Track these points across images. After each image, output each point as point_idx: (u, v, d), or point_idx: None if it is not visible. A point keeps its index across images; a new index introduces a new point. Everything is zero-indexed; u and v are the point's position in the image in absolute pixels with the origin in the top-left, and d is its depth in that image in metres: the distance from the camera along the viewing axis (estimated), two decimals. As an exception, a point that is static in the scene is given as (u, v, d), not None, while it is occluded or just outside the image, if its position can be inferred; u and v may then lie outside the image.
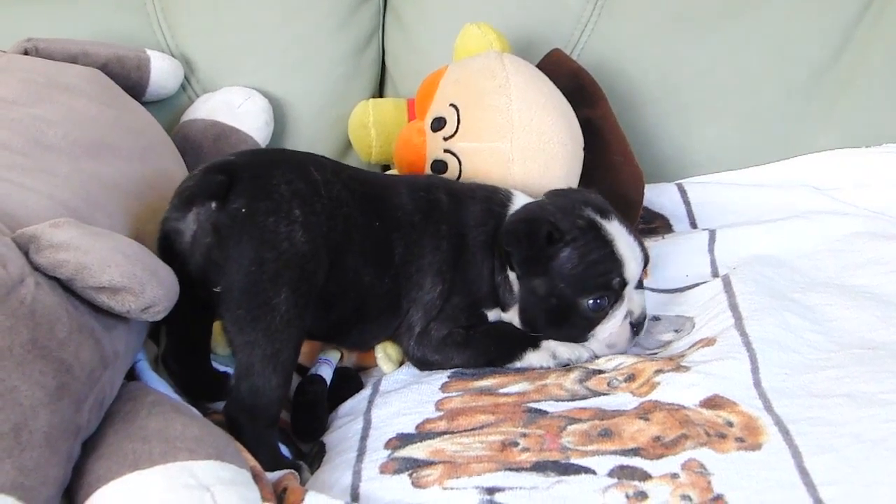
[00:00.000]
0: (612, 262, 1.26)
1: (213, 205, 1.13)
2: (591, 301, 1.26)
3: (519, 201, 1.33)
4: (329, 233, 1.16)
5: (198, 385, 1.24)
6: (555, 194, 1.34)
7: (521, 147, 1.42)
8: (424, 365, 1.29)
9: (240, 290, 1.13)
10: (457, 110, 1.46)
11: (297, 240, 1.13)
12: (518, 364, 1.27)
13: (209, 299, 1.15)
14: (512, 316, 1.31)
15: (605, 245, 1.26)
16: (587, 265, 1.25)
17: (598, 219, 1.27)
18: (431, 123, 1.48)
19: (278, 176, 1.15)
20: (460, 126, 1.45)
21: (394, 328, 1.28)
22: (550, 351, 1.28)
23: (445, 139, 1.46)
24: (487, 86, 1.45)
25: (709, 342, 1.26)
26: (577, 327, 1.28)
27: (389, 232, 1.24)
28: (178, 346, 1.23)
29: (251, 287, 1.12)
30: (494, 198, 1.33)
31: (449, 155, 1.44)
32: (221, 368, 1.27)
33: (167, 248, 1.17)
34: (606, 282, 1.26)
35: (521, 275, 1.27)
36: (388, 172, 1.63)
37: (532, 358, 1.27)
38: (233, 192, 1.13)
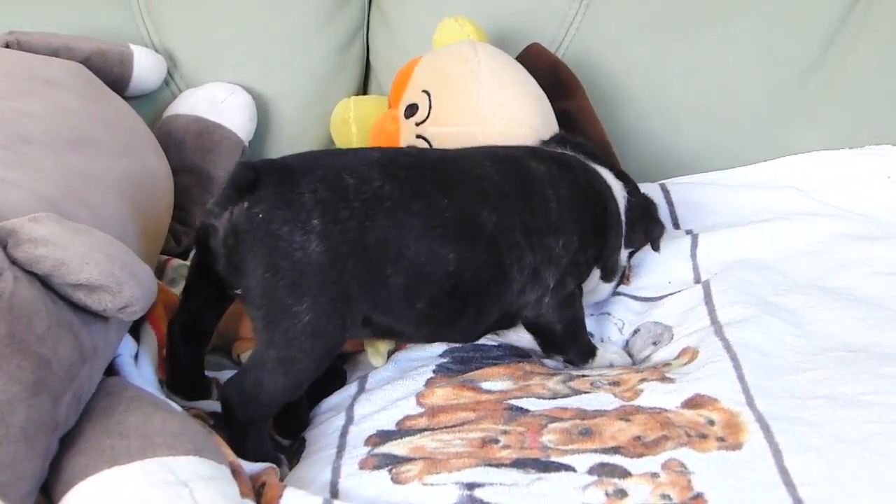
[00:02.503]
0: None
1: (246, 205, 1.13)
2: None
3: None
4: (364, 236, 1.14)
5: (182, 372, 1.24)
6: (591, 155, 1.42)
7: (491, 131, 1.42)
8: (547, 321, 1.31)
9: (258, 295, 1.12)
10: (428, 96, 1.46)
11: (311, 249, 1.11)
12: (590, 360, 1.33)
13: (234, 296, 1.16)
14: (605, 287, 1.40)
15: None
16: None
17: None
18: (405, 110, 1.48)
19: (305, 184, 1.14)
20: (432, 111, 1.45)
21: (509, 299, 1.27)
22: (608, 358, 1.34)
23: (417, 125, 1.46)
24: (459, 71, 1.45)
25: (692, 354, 1.26)
26: None
27: (468, 205, 1.23)
28: (185, 325, 1.24)
29: (268, 293, 1.12)
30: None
31: (421, 140, 1.45)
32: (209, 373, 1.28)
33: (203, 241, 1.17)
34: None
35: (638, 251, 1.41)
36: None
37: (604, 356, 1.34)
38: (256, 197, 1.13)
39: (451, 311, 1.23)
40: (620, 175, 1.41)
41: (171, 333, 1.24)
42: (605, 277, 1.39)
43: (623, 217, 1.38)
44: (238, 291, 1.15)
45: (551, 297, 1.29)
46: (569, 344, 1.33)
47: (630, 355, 1.36)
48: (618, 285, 1.44)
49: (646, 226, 1.41)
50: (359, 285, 1.15)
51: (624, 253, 1.40)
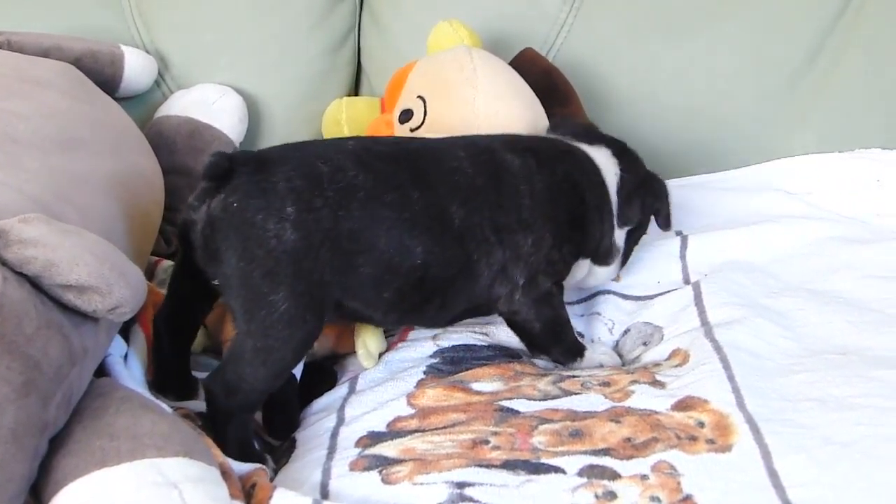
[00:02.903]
0: None
1: (222, 195, 1.13)
2: None
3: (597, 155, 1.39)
4: (337, 225, 1.15)
5: (167, 368, 1.24)
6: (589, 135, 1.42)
7: None
8: (523, 320, 1.30)
9: (235, 284, 1.13)
10: (424, 102, 1.46)
11: (286, 238, 1.12)
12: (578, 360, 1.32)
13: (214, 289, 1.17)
14: (606, 271, 1.40)
15: None
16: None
17: None
18: (399, 116, 1.48)
19: (280, 173, 1.14)
20: (427, 117, 1.45)
21: (477, 293, 1.27)
22: (597, 359, 1.33)
23: (412, 130, 1.46)
24: (455, 78, 1.45)
25: (683, 356, 1.26)
26: None
27: (440, 198, 1.23)
28: (168, 318, 1.24)
29: (244, 281, 1.12)
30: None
31: (417, 147, 1.45)
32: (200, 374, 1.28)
33: (184, 234, 1.18)
34: None
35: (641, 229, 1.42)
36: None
37: (592, 357, 1.33)
38: (231, 187, 1.13)
39: (418, 300, 1.23)
40: (619, 152, 1.40)
41: (156, 326, 1.24)
42: (600, 262, 1.38)
43: (614, 196, 1.37)
44: (216, 282, 1.15)
45: (523, 294, 1.28)
46: (551, 343, 1.32)
47: (620, 356, 1.36)
48: (623, 264, 1.44)
49: (642, 200, 1.39)
50: (331, 273, 1.15)
51: (620, 233, 1.38)
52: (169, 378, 1.25)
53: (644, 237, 1.57)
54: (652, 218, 1.42)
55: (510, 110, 1.45)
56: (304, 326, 1.14)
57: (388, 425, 1.16)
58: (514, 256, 1.27)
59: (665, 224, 1.42)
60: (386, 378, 1.26)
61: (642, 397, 1.17)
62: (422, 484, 1.04)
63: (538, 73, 1.57)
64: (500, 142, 1.33)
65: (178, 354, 1.26)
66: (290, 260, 1.12)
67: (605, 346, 1.37)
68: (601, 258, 1.38)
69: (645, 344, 1.35)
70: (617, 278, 1.44)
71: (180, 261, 1.23)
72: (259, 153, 1.18)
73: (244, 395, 1.14)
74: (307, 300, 1.13)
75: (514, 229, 1.26)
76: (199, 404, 1.22)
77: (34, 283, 0.98)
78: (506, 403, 1.17)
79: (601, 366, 1.31)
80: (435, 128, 1.44)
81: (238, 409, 1.15)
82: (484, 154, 1.29)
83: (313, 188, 1.15)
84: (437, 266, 1.21)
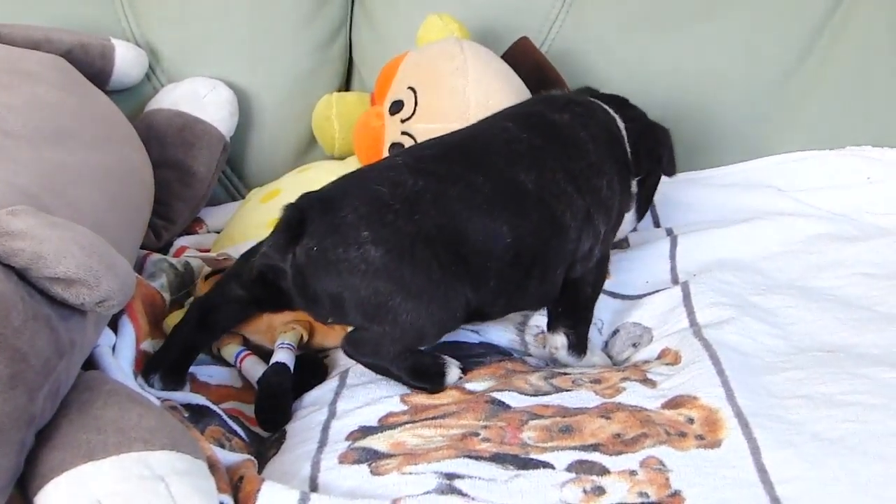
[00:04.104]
0: None
1: (304, 243, 1.17)
2: None
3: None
4: (419, 228, 1.18)
5: (173, 353, 1.26)
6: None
7: None
8: (584, 281, 1.33)
9: (351, 312, 1.18)
10: (414, 93, 1.46)
11: (371, 257, 1.15)
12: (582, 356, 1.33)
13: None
14: (627, 218, 1.43)
15: None
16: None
17: None
18: (390, 107, 1.48)
19: (346, 207, 1.18)
20: (417, 108, 1.46)
21: (568, 250, 1.29)
22: (593, 360, 1.34)
23: (403, 121, 1.46)
24: (445, 68, 1.46)
25: (674, 357, 1.26)
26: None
27: (505, 173, 1.25)
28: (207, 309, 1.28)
29: (357, 305, 1.17)
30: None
31: (406, 137, 1.45)
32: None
33: (266, 278, 1.23)
34: None
35: (653, 175, 1.45)
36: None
37: (590, 357, 1.33)
38: (308, 234, 1.17)
39: (519, 277, 1.25)
40: (621, 105, 1.45)
41: (192, 308, 1.28)
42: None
43: (628, 147, 1.40)
44: (330, 321, 1.23)
45: (600, 249, 1.32)
46: (582, 314, 1.33)
47: (609, 356, 1.36)
48: (640, 217, 1.49)
49: (647, 147, 1.42)
50: (440, 268, 1.18)
51: (633, 183, 1.42)
52: (168, 359, 1.25)
53: (635, 234, 1.58)
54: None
55: (500, 99, 1.45)
56: (438, 317, 1.19)
57: (380, 420, 1.15)
58: (596, 202, 1.30)
59: (669, 168, 1.46)
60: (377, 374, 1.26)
61: (633, 395, 1.17)
62: (410, 473, 1.04)
63: (530, 66, 1.57)
64: (540, 104, 1.39)
65: (192, 344, 1.27)
66: (385, 273, 1.15)
67: (597, 348, 1.36)
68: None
69: (635, 345, 1.35)
70: (608, 275, 1.44)
71: (256, 280, 1.25)
72: (321, 194, 1.21)
73: (388, 359, 1.20)
74: (430, 299, 1.17)
75: (588, 174, 1.30)
76: (186, 396, 1.22)
77: (22, 276, 0.98)
78: (497, 395, 1.17)
79: (594, 366, 1.31)
80: (426, 118, 1.44)
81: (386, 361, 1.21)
82: (532, 118, 1.34)
83: (379, 207, 1.18)
84: (528, 236, 1.24)
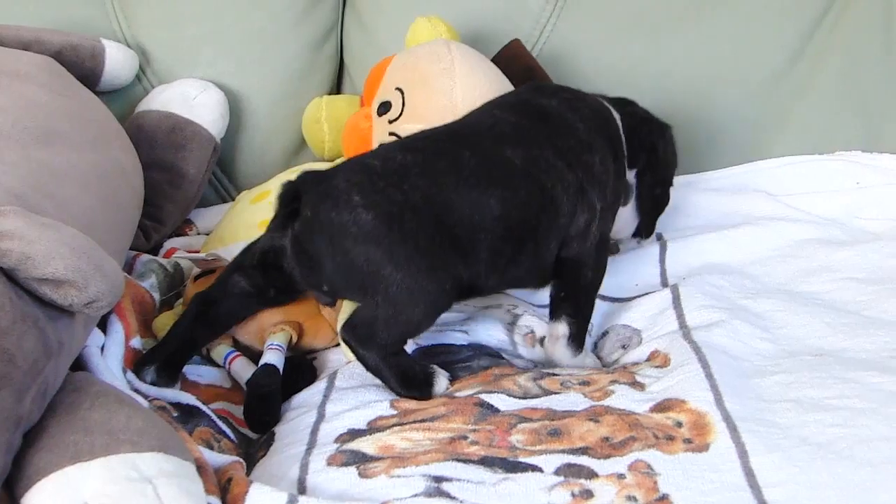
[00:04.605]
0: None
1: (300, 216, 1.20)
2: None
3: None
4: (407, 197, 1.19)
5: (169, 348, 1.26)
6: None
7: None
8: (583, 263, 1.33)
9: (345, 278, 1.19)
10: (402, 94, 1.47)
11: (362, 220, 1.17)
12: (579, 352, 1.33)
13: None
14: (625, 212, 1.44)
15: None
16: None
17: None
18: (378, 108, 1.49)
19: (338, 176, 1.21)
20: (405, 109, 1.46)
21: (562, 224, 1.29)
22: (585, 362, 1.33)
23: (390, 122, 1.46)
24: (433, 69, 1.46)
25: (663, 359, 1.26)
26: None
27: (491, 149, 1.28)
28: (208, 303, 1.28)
29: (350, 273, 1.18)
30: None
31: (394, 138, 1.45)
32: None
33: (270, 260, 1.24)
34: None
35: (651, 170, 1.45)
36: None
37: (584, 359, 1.33)
38: (303, 204, 1.19)
39: (511, 251, 1.26)
40: (617, 101, 1.46)
41: (193, 302, 1.28)
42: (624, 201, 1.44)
43: (623, 137, 1.41)
44: (325, 288, 1.22)
45: (598, 227, 1.32)
46: (584, 301, 1.33)
47: (598, 358, 1.36)
48: (646, 225, 1.50)
49: (642, 136, 1.44)
50: (427, 238, 1.19)
51: (630, 174, 1.43)
52: (164, 353, 1.25)
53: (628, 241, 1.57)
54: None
55: (488, 99, 1.45)
56: (428, 289, 1.19)
57: (369, 423, 1.15)
58: (589, 176, 1.31)
59: (666, 161, 1.48)
60: (367, 377, 1.26)
61: (621, 398, 1.17)
62: (399, 476, 1.04)
63: (520, 70, 1.58)
64: (527, 93, 1.41)
65: (192, 338, 1.28)
66: (375, 238, 1.16)
67: (589, 351, 1.36)
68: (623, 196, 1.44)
69: (624, 347, 1.35)
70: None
71: (258, 268, 1.26)
72: (317, 170, 1.25)
73: (380, 348, 1.20)
74: (421, 266, 1.18)
75: (578, 150, 1.32)
76: (176, 394, 1.22)
77: (10, 277, 0.97)
78: (486, 398, 1.17)
79: (583, 367, 1.31)
80: (414, 118, 1.44)
81: (379, 355, 1.21)
82: (519, 105, 1.36)
83: (370, 176, 1.20)
84: (517, 209, 1.25)
